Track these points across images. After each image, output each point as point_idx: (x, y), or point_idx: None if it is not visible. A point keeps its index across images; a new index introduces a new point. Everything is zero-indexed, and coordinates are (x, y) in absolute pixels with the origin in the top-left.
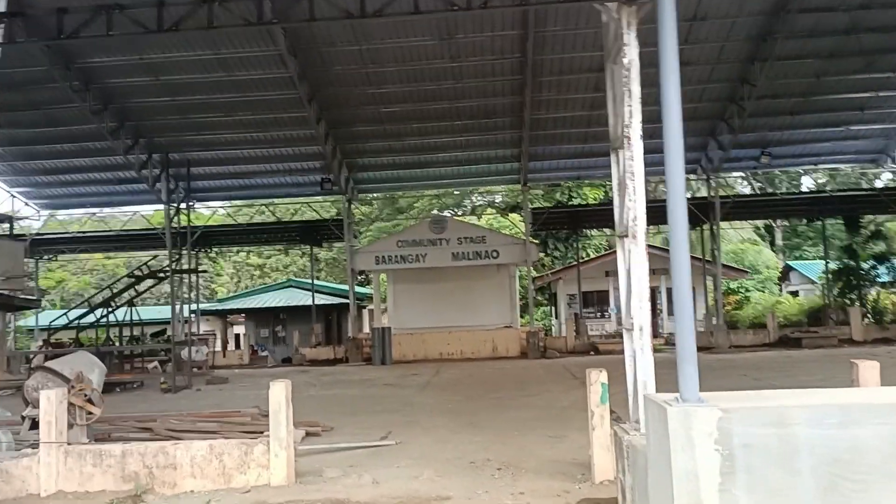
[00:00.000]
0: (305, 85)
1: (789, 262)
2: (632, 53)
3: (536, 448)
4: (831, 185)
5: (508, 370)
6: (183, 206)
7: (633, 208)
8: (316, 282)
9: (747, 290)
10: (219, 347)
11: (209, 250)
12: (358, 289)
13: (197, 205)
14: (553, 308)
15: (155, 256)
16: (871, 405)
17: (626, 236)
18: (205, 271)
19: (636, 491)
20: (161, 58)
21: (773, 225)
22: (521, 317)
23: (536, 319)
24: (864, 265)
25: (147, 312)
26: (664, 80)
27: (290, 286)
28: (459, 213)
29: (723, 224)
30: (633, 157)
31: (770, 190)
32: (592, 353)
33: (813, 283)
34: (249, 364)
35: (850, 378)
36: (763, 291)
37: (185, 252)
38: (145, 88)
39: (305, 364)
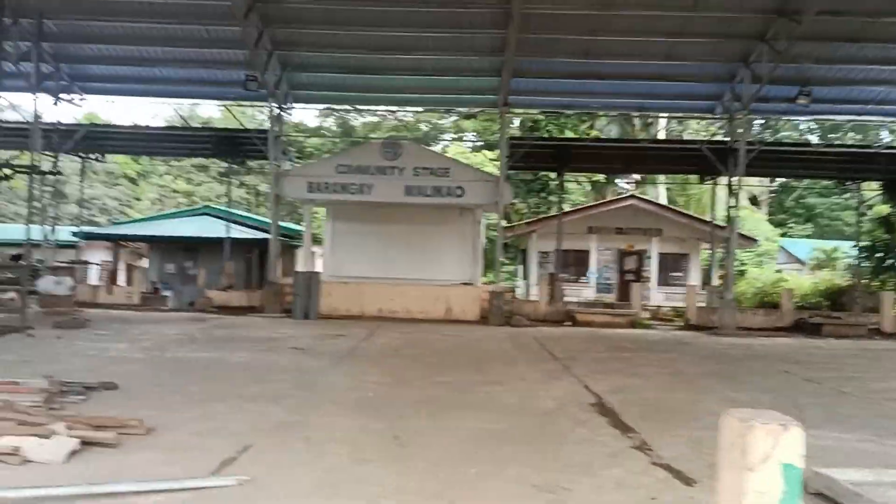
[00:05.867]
0: None
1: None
2: None
3: None
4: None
5: (465, 339)
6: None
7: None
8: (242, 213)
9: (742, 263)
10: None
11: (99, 157)
12: (293, 225)
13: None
14: (522, 267)
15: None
16: None
17: None
18: (56, 173)
19: None
20: None
21: (757, 197)
22: (483, 274)
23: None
24: None
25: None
26: None
27: (206, 214)
28: None
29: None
30: None
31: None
32: (569, 323)
33: (802, 263)
34: (140, 305)
35: None
36: (760, 266)
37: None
38: None
39: (210, 310)
